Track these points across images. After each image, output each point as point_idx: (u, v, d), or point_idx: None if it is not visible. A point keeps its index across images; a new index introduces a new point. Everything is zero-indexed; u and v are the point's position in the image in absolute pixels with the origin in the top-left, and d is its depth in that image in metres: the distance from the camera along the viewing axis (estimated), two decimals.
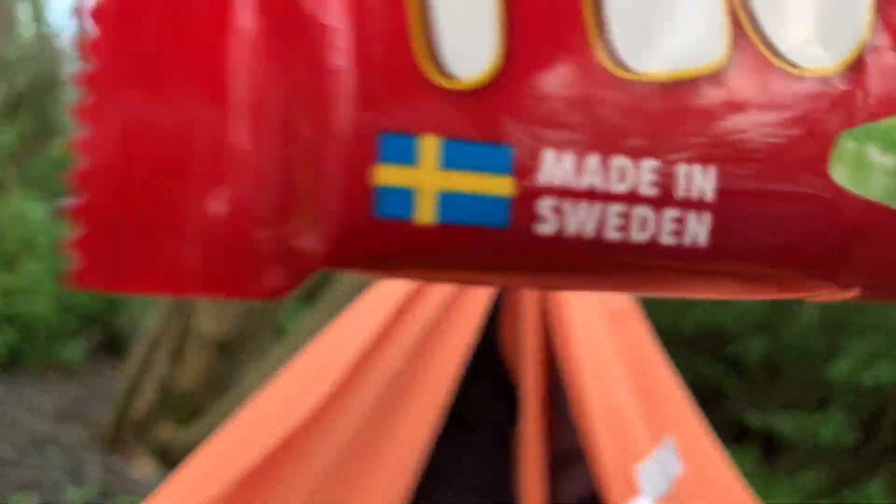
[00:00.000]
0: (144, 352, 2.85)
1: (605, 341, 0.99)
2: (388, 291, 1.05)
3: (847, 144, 0.22)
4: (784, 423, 3.52)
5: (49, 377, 3.93)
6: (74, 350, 4.12)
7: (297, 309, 5.99)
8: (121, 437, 2.99)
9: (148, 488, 2.79)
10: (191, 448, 3.09)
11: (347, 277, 2.98)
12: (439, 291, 1.06)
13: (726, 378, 4.22)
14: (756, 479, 3.77)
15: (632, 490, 0.76)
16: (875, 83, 0.22)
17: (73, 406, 3.55)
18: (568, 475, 1.18)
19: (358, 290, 3.02)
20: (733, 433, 4.09)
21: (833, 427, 3.41)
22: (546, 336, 1.22)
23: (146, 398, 3.15)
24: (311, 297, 6.07)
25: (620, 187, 0.21)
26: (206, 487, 0.80)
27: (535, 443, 1.13)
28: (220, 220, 0.19)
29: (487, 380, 1.25)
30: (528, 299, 1.22)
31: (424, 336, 1.04)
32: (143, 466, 2.91)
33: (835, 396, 3.57)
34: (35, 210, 4.13)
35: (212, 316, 3.21)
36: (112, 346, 4.62)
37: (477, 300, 1.12)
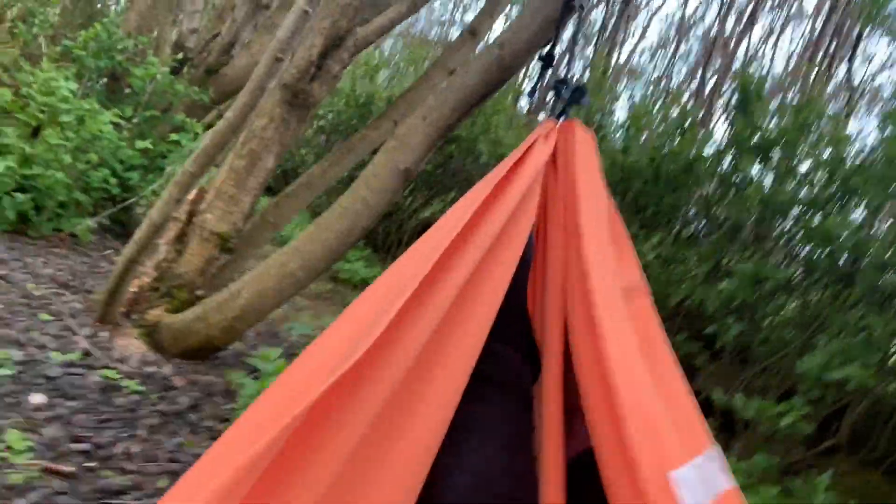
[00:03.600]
0: (145, 235, 2.95)
1: (622, 313, 1.03)
2: (422, 252, 1.10)
3: None
4: (747, 406, 3.61)
5: (55, 248, 4.06)
6: (83, 226, 4.24)
7: (302, 226, 6.10)
8: (111, 311, 3.10)
9: (129, 363, 2.93)
10: (176, 333, 3.19)
11: (347, 199, 3.08)
12: (470, 254, 1.11)
13: (700, 356, 4.33)
14: None
15: (663, 490, 0.77)
16: None
17: (73, 277, 3.67)
18: (569, 432, 1.23)
19: (356, 211, 3.10)
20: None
21: (793, 417, 3.48)
22: (566, 303, 1.27)
23: (143, 279, 3.27)
24: (314, 214, 6.19)
25: None
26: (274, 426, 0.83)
27: (554, 401, 1.18)
28: None
29: (513, 339, 1.31)
30: (554, 263, 1.28)
31: (457, 295, 1.07)
32: (128, 342, 3.03)
33: (800, 389, 3.64)
34: (65, 85, 4.19)
35: (218, 212, 3.32)
36: (120, 227, 4.76)
37: (505, 264, 1.16)
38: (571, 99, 1.51)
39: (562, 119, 1.46)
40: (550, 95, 1.58)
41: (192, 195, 3.30)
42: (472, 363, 1.06)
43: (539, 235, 1.39)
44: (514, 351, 1.29)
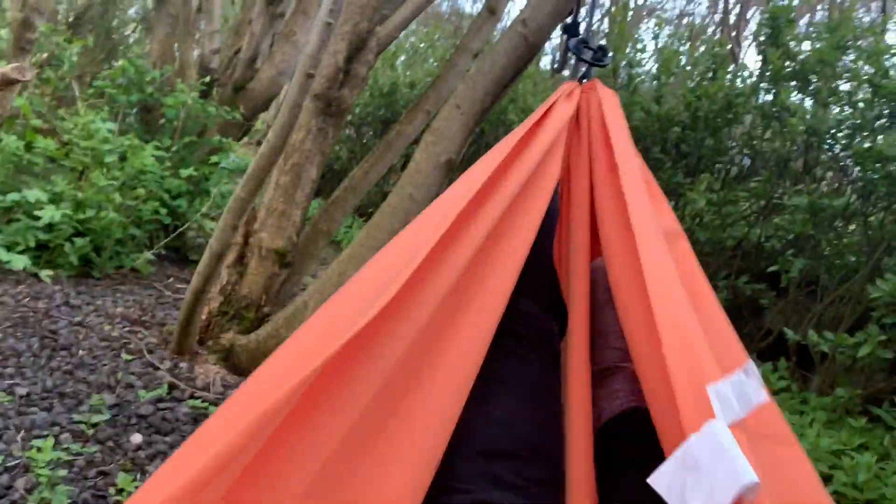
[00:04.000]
0: (207, 266, 3.02)
1: (666, 258, 1.01)
2: (443, 210, 1.07)
3: None
4: (821, 340, 3.57)
5: (119, 285, 4.18)
6: (142, 259, 4.36)
7: (350, 225, 6.16)
8: (187, 342, 3.19)
9: (212, 390, 3.02)
10: (251, 353, 3.27)
11: (394, 198, 3.10)
12: (491, 211, 1.11)
13: (765, 295, 4.28)
14: (790, 394, 3.87)
15: (700, 402, 0.75)
16: None
17: (143, 312, 3.78)
18: (604, 393, 1.25)
19: (405, 209, 3.13)
20: (770, 348, 4.17)
21: (871, 346, 3.42)
22: (593, 256, 1.28)
23: (211, 305, 3.35)
24: (362, 214, 6.24)
25: None
26: (290, 377, 0.80)
27: (581, 356, 1.18)
28: None
29: (540, 295, 1.29)
30: (578, 221, 1.28)
31: (477, 252, 1.06)
32: (207, 369, 3.12)
33: (874, 316, 3.58)
34: (104, 127, 4.29)
35: (272, 229, 3.39)
36: (175, 253, 4.88)
37: (529, 219, 1.16)
38: (593, 60, 1.49)
39: (584, 80, 1.45)
40: (571, 54, 1.56)
41: (245, 217, 3.37)
42: (496, 320, 1.05)
43: (563, 193, 1.38)
44: (540, 307, 1.28)
